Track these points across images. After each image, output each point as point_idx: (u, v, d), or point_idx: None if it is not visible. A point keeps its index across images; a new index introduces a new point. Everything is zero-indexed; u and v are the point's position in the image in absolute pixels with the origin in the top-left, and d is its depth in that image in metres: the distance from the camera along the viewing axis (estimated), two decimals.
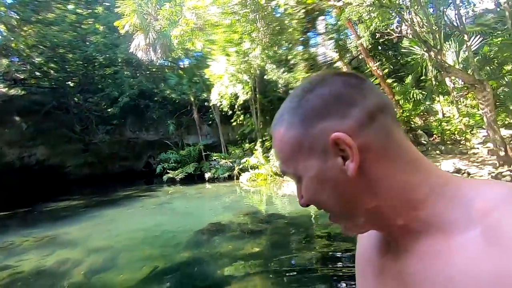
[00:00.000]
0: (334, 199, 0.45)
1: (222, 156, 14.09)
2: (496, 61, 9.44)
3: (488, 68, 9.46)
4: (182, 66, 16.81)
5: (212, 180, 13.30)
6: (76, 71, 15.60)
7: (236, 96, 11.57)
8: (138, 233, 6.65)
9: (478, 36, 10.09)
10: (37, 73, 15.23)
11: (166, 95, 15.86)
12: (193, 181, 13.43)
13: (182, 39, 5.83)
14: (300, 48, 14.45)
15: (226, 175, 13.09)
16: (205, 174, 13.50)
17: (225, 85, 10.27)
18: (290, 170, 0.48)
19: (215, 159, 14.06)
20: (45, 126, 14.56)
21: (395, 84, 11.60)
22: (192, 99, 15.06)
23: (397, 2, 7.67)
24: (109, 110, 15.41)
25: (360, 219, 0.46)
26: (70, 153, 15.68)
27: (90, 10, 16.77)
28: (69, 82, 15.57)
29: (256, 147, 13.19)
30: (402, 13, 6.92)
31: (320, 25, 15.58)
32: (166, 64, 17.33)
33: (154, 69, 17.41)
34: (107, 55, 15.96)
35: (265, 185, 11.66)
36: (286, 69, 14.10)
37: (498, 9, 11.40)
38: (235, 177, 12.81)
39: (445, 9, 9.64)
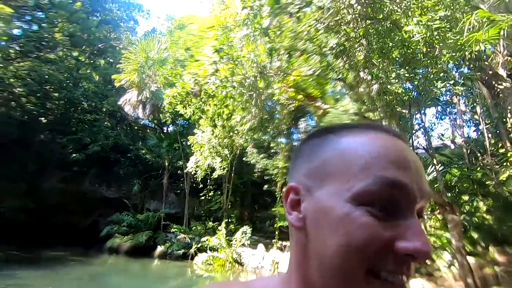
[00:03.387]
0: None
1: (182, 230, 12.85)
2: (456, 189, 10.23)
3: (449, 194, 10.17)
4: (165, 131, 16.88)
5: (163, 255, 11.73)
6: (55, 110, 15.12)
7: (212, 169, 11.32)
8: None
9: (440, 164, 11.16)
10: (12, 103, 14.55)
11: (140, 154, 15.33)
12: (142, 253, 11.74)
13: (174, 100, 5.89)
14: (283, 140, 15.21)
15: (181, 252, 11.67)
16: (158, 246, 11.97)
17: (205, 155, 10.14)
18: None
19: (173, 232, 12.75)
20: None
21: None
22: (167, 163, 14.59)
23: (373, 118, 8.53)
24: (74, 155, 14.39)
25: None
26: (8, 192, 13.65)
27: (92, 61, 17.47)
28: (42, 118, 14.84)
29: (220, 228, 12.26)
30: None
31: (302, 125, 16.94)
32: (150, 125, 17.39)
33: (136, 127, 17.30)
34: (93, 103, 15.90)
35: (221, 271, 10.36)
36: (266, 155, 14.48)
37: (455, 147, 13.10)
38: (190, 256, 11.40)
39: (413, 134, 10.90)
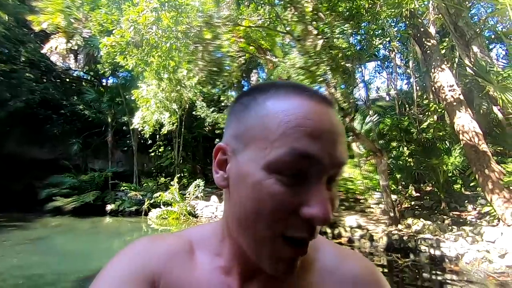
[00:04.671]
0: None
1: (133, 188, 12.59)
2: (387, 137, 11.59)
3: (381, 141, 11.53)
4: (104, 83, 15.31)
5: (114, 213, 11.53)
6: None
7: (161, 125, 10.89)
8: None
9: (376, 114, 12.34)
10: None
11: (77, 110, 13.86)
12: (90, 213, 11.36)
13: (112, 50, 5.26)
14: (234, 93, 15.02)
15: (133, 209, 11.58)
16: (108, 205, 11.67)
17: (151, 110, 9.60)
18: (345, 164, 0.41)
19: (123, 190, 12.42)
20: None
21: None
22: (110, 120, 13.55)
23: (318, 72, 8.84)
24: None
25: None
26: None
27: None
28: None
29: (172, 183, 12.30)
30: (326, 81, 7.95)
31: (253, 77, 16.83)
32: (85, 77, 15.53)
33: (68, 79, 15.29)
34: (6, 50, 13.35)
35: (176, 225, 10.68)
36: (216, 109, 14.29)
37: (389, 99, 14.50)
38: (143, 213, 11.43)
39: (355, 87, 11.69)
